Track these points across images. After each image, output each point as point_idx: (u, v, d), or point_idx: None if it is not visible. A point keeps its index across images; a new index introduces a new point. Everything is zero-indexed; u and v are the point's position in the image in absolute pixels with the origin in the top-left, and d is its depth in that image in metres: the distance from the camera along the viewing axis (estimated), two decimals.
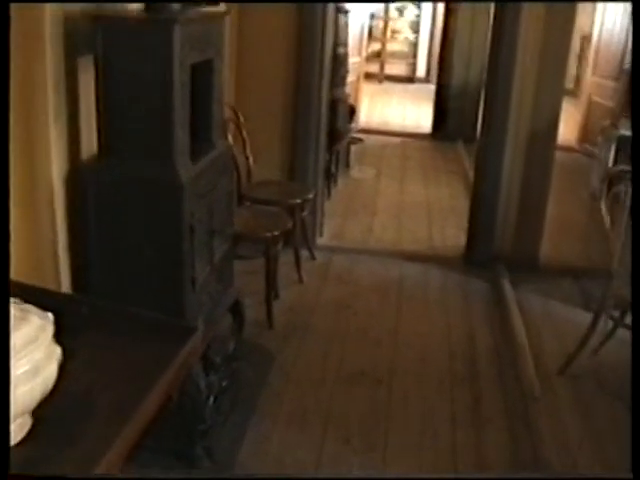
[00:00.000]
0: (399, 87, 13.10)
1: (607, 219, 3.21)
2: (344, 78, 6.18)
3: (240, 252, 3.40)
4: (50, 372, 1.22)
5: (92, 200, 2.29)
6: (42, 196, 2.23)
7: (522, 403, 3.24)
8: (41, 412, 1.23)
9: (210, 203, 2.53)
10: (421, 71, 13.88)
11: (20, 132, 2.06)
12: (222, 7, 2.78)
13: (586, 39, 9.24)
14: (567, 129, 6.89)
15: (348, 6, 6.07)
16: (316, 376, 3.36)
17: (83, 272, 2.40)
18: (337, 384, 3.31)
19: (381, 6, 13.34)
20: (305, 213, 4.35)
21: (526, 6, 4.22)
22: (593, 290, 4.15)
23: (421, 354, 3.65)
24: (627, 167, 3.33)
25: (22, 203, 2.11)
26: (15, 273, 1.77)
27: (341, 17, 5.71)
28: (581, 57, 10.08)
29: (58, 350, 1.27)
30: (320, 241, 4.95)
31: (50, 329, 1.26)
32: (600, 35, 7.77)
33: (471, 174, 6.02)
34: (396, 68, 13.86)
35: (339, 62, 5.68)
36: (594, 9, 8.01)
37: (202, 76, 2.48)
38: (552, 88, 4.38)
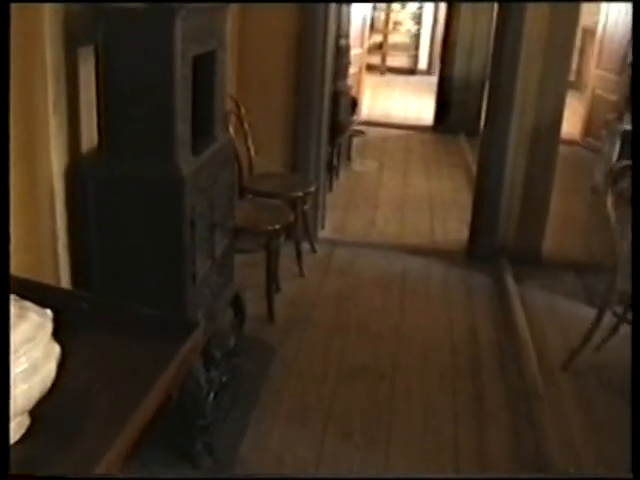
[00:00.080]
0: (401, 79, 13.05)
1: (612, 215, 3.19)
2: (346, 70, 6.15)
3: (241, 245, 3.37)
4: (49, 371, 1.21)
5: (92, 194, 2.27)
6: (42, 190, 2.20)
7: (525, 399, 3.22)
8: (40, 411, 1.22)
9: (211, 197, 2.51)
10: (423, 63, 13.83)
11: (19, 125, 2.03)
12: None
13: (588, 32, 9.20)
14: (570, 123, 6.86)
15: None
16: (318, 371, 3.34)
17: (83, 266, 2.38)
18: (339, 379, 3.30)
19: None
20: (307, 206, 4.33)
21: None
22: (596, 285, 4.14)
23: (423, 348, 3.64)
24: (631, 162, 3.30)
25: (21, 197, 2.09)
26: (14, 268, 1.75)
27: (344, 8, 5.67)
28: (582, 50, 10.04)
29: (57, 348, 1.25)
30: (322, 234, 4.93)
31: (49, 327, 1.24)
32: (604, 28, 7.73)
33: (473, 167, 6.01)
34: (398, 60, 13.80)
35: (341, 54, 5.64)
36: (598, 3, 7.97)
37: (204, 68, 2.45)
38: (556, 82, 4.35)
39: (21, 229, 2.10)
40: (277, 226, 3.64)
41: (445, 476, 2.80)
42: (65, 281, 2.36)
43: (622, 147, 5.61)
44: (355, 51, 7.03)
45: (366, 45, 8.89)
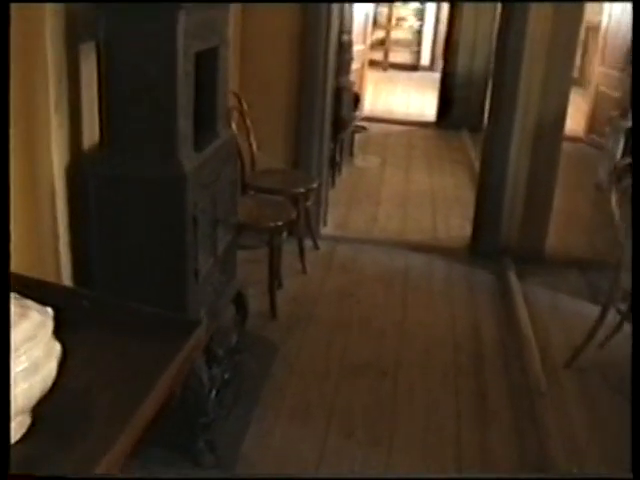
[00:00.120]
0: (403, 75, 13.04)
1: (617, 212, 3.17)
2: (348, 66, 6.12)
3: (243, 242, 3.36)
4: (49, 370, 1.20)
5: (94, 191, 2.25)
6: (43, 188, 2.19)
7: (527, 396, 3.21)
8: (40, 410, 1.21)
9: (213, 193, 2.49)
10: (425, 59, 13.82)
11: (20, 123, 2.02)
12: None
13: (591, 29, 9.17)
14: (573, 119, 6.83)
15: None
16: (320, 368, 3.33)
17: (84, 264, 2.36)
18: (341, 376, 3.29)
19: None
20: (309, 202, 4.32)
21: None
22: (599, 282, 4.13)
23: (426, 345, 3.63)
24: None
25: (22, 194, 2.08)
26: (15, 266, 1.74)
27: (346, 4, 5.65)
28: (585, 47, 10.01)
29: (58, 347, 1.24)
30: (324, 230, 4.92)
31: (50, 325, 1.23)
32: (608, 25, 7.71)
33: (476, 164, 5.99)
34: (400, 56, 13.79)
35: (344, 50, 5.62)
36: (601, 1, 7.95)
37: (207, 64, 2.43)
38: (560, 79, 4.34)
39: (22, 227, 2.09)
40: (279, 223, 3.62)
41: (445, 476, 2.79)
42: (66, 279, 2.34)
43: (626, 144, 5.59)
44: (358, 47, 7.00)
45: (369, 41, 8.87)
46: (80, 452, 1.20)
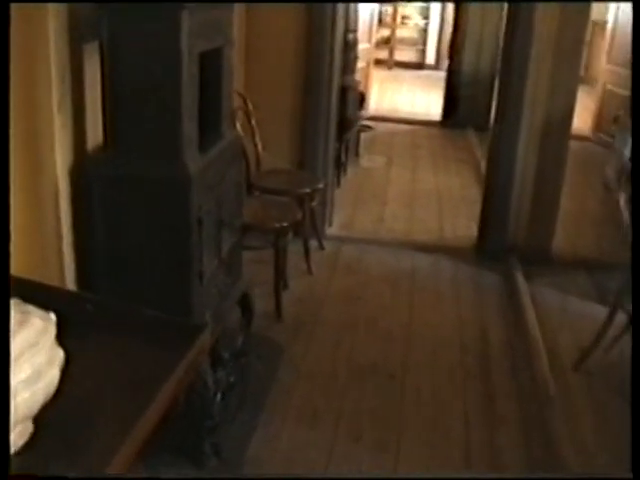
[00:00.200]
0: (409, 74, 13.00)
1: (625, 212, 3.14)
2: (354, 65, 6.10)
3: (249, 243, 3.34)
4: (52, 377, 1.18)
5: (97, 192, 2.23)
6: (46, 189, 2.17)
7: (536, 399, 3.18)
8: (43, 418, 1.19)
9: (219, 195, 2.47)
10: (430, 58, 13.77)
11: (24, 124, 2.00)
12: None
13: (597, 26, 9.12)
14: (580, 118, 6.80)
15: None
16: (326, 370, 3.31)
17: (88, 266, 2.35)
18: (348, 378, 3.26)
19: None
20: (314, 203, 4.29)
21: None
22: (607, 283, 4.10)
23: (433, 346, 3.60)
24: None
25: (26, 196, 2.06)
26: (19, 268, 1.72)
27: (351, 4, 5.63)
28: (591, 44, 9.95)
29: (61, 353, 1.22)
30: (329, 231, 4.89)
31: (52, 331, 1.21)
32: (615, 22, 7.67)
33: (482, 163, 5.96)
34: (405, 54, 13.75)
35: (349, 49, 5.60)
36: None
37: (211, 64, 2.41)
38: (567, 78, 4.31)
39: (26, 228, 2.07)
40: (285, 223, 3.60)
41: (448, 475, 2.77)
42: (70, 280, 2.33)
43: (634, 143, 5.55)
44: (363, 46, 6.98)
45: (374, 39, 8.83)
46: (85, 460, 1.19)
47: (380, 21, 11.58)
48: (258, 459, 2.65)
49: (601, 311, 3.54)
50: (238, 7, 3.55)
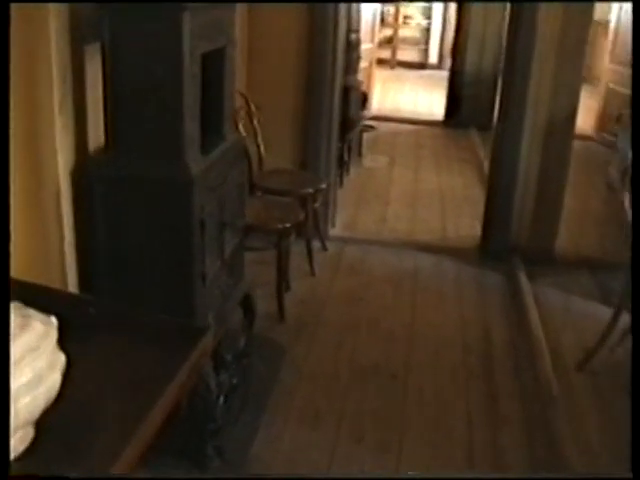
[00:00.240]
0: (411, 73, 12.98)
1: (629, 212, 3.12)
2: (356, 65, 6.09)
3: (251, 244, 3.33)
4: (53, 381, 1.17)
5: (99, 194, 2.22)
6: (48, 190, 2.17)
7: (539, 400, 3.17)
8: (44, 422, 1.18)
9: (221, 196, 2.46)
10: (433, 57, 13.75)
11: (25, 125, 2.00)
12: None
13: (600, 26, 9.08)
14: (583, 117, 6.79)
15: None
16: (329, 371, 3.30)
17: (90, 268, 2.34)
18: (350, 379, 3.26)
19: None
20: (317, 204, 4.28)
21: None
22: (610, 283, 4.09)
23: (435, 347, 3.59)
24: None
25: (27, 197, 2.06)
26: (20, 269, 1.72)
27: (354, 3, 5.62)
28: (594, 44, 9.92)
29: (62, 357, 1.21)
30: (332, 231, 4.88)
31: (54, 335, 1.20)
32: (618, 22, 7.65)
33: (485, 163, 5.94)
34: (408, 54, 13.73)
35: (351, 48, 5.59)
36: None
37: (213, 64, 2.40)
38: (570, 77, 4.29)
39: (27, 230, 2.07)
40: (287, 224, 3.59)
41: (449, 475, 2.75)
42: (72, 281, 2.32)
43: None
44: (365, 45, 6.96)
45: (376, 39, 8.82)
46: (86, 465, 1.18)
47: (382, 21, 11.55)
48: (260, 460, 2.65)
49: (604, 311, 3.54)
50: (240, 7, 3.53)
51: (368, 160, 7.08)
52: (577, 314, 3.98)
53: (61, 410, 1.19)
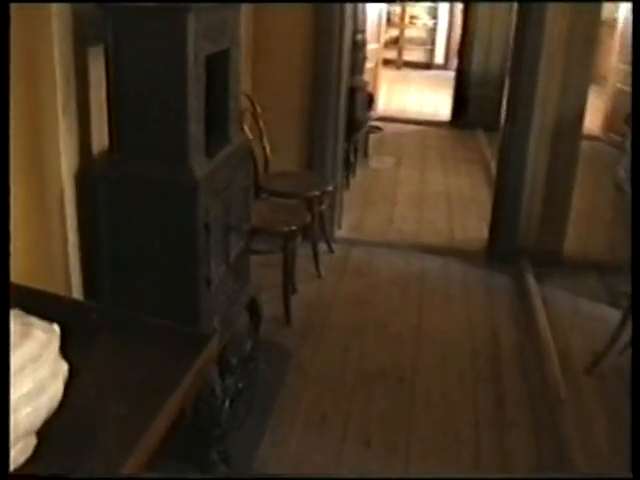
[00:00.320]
0: (417, 74, 12.94)
1: None
2: (362, 65, 6.07)
3: (257, 247, 3.31)
4: (56, 390, 1.15)
5: (103, 196, 2.21)
6: (51, 193, 2.16)
7: (547, 403, 3.15)
8: (47, 431, 1.17)
9: (226, 199, 2.44)
10: (439, 57, 13.71)
11: (28, 127, 1.99)
12: None
13: (607, 25, 9.04)
14: (590, 117, 6.75)
15: None
16: (335, 374, 3.28)
17: (94, 272, 2.32)
18: (357, 382, 3.24)
19: None
20: (324, 206, 4.26)
21: None
22: (619, 285, 4.05)
23: (443, 350, 3.57)
24: None
25: (31, 199, 2.04)
26: (24, 272, 1.71)
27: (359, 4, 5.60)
28: (601, 43, 9.87)
29: (64, 366, 1.19)
30: (338, 233, 4.86)
31: (56, 343, 1.19)
32: (626, 21, 7.61)
33: (492, 163, 5.91)
34: (414, 54, 13.69)
35: (357, 49, 5.56)
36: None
37: (218, 66, 2.38)
38: (578, 77, 4.26)
39: (31, 232, 2.06)
40: (294, 227, 3.57)
41: (451, 476, 2.73)
42: (76, 284, 2.31)
43: None
44: (371, 46, 6.94)
45: (382, 40, 8.80)
46: (89, 474, 1.17)
47: (388, 21, 11.53)
48: (267, 464, 2.63)
49: (612, 313, 3.51)
50: (245, 7, 3.51)
51: (374, 161, 7.06)
52: (585, 316, 3.95)
53: (64, 418, 1.18)
